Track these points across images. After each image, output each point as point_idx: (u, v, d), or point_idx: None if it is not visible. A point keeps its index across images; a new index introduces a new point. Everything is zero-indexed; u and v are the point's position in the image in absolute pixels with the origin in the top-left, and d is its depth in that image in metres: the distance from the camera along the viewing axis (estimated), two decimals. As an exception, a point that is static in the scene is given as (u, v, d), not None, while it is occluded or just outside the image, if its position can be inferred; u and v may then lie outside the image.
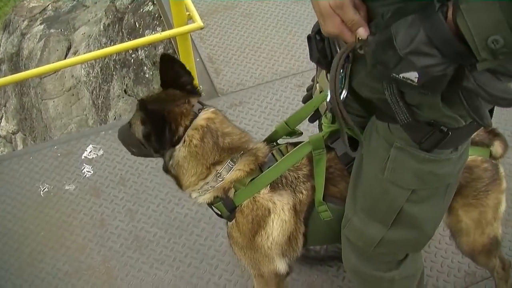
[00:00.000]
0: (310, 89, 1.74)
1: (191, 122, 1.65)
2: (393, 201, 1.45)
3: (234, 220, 1.78)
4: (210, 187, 1.72)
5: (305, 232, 1.79)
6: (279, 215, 1.72)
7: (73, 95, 7.09)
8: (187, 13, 2.99)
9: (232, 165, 1.70)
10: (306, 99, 1.74)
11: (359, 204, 1.56)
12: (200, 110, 1.70)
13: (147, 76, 5.02)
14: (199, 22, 2.91)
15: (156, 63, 4.77)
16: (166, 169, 1.75)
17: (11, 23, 8.06)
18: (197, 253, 2.63)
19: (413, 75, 1.07)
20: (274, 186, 1.72)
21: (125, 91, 5.45)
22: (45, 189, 2.98)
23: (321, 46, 1.40)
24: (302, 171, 1.74)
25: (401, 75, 1.08)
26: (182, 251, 2.65)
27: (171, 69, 1.72)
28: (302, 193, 1.72)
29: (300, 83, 3.38)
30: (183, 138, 1.65)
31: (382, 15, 1.08)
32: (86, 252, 2.70)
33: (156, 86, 4.82)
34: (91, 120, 6.62)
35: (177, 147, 1.66)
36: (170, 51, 4.54)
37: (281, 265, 1.88)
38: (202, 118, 1.67)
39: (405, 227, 1.50)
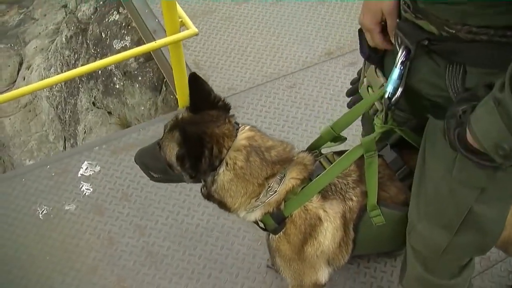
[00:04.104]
0: (355, 83, 1.71)
1: (232, 143, 1.60)
2: (461, 202, 1.41)
3: (282, 231, 1.73)
4: (261, 202, 1.67)
5: (355, 239, 1.75)
6: (332, 223, 1.69)
7: (30, 111, 6.82)
8: (179, 19, 2.92)
9: (282, 176, 1.66)
10: (351, 93, 1.72)
11: (422, 210, 1.53)
12: (237, 129, 1.65)
13: (117, 87, 4.88)
14: (193, 29, 2.85)
15: (127, 72, 4.64)
16: (208, 195, 1.68)
17: (-44, 41, 7.66)
18: (215, 263, 2.58)
19: None
20: (324, 194, 1.69)
21: (93, 103, 5.28)
22: (44, 211, 2.84)
23: None
24: (351, 177, 1.71)
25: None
26: (199, 263, 2.59)
27: (201, 88, 1.66)
28: (352, 199, 1.69)
29: (291, 84, 3.38)
30: (225, 161, 1.59)
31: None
32: (99, 273, 2.59)
33: (128, 97, 4.70)
34: (52, 135, 6.37)
35: (220, 171, 1.59)
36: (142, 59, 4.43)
37: (324, 275, 1.87)
38: (242, 137, 1.62)
39: (472, 230, 1.46)
